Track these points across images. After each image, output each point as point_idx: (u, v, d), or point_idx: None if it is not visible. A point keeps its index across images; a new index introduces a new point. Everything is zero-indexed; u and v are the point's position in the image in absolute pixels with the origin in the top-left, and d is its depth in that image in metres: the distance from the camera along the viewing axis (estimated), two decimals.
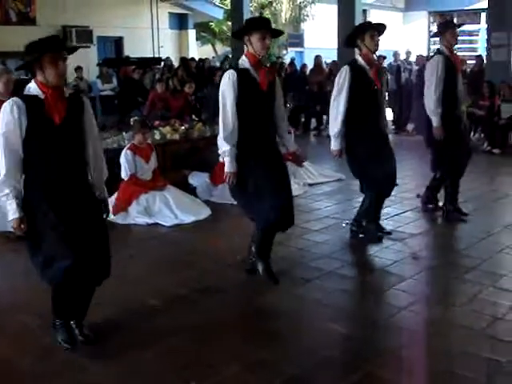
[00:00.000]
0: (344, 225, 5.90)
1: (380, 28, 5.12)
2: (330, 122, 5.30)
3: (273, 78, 4.44)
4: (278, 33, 4.60)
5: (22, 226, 3.35)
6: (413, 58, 13.83)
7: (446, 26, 6.04)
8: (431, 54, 11.41)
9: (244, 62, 4.31)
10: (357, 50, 5.26)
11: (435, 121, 5.92)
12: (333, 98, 5.20)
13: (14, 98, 3.33)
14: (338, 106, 5.14)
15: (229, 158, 4.29)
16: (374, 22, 5.27)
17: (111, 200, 6.63)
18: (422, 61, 12.90)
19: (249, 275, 4.70)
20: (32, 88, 3.37)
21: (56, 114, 3.33)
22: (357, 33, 5.13)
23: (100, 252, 3.52)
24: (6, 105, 3.30)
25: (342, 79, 5.11)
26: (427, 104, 5.98)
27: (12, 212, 3.33)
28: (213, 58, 18.83)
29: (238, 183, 4.38)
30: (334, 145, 5.29)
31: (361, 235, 5.59)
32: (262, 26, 4.28)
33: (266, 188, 4.31)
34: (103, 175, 3.71)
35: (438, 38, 6.36)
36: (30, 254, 3.49)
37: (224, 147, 4.29)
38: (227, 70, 4.44)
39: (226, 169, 4.33)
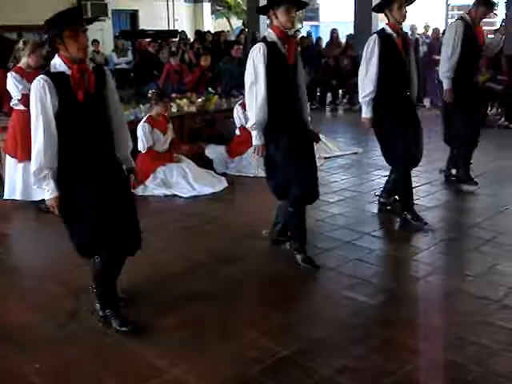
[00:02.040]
0: (373, 196, 5.92)
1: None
2: (360, 89, 5.21)
3: (297, 50, 4.44)
4: (302, 4, 4.57)
5: (60, 204, 3.35)
6: (430, 32, 13.67)
7: (483, 3, 5.96)
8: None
9: (271, 34, 4.28)
10: (376, 17, 5.22)
11: (446, 83, 5.96)
12: (362, 65, 5.16)
13: (43, 76, 3.27)
14: (369, 71, 5.10)
15: (256, 131, 4.29)
16: None
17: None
18: (437, 34, 12.79)
19: (267, 245, 4.76)
20: (58, 64, 3.31)
21: (80, 90, 3.29)
22: (385, 3, 5.08)
23: (131, 223, 3.54)
24: (36, 83, 3.26)
25: (371, 48, 5.07)
26: (440, 66, 6.00)
27: (50, 191, 3.32)
28: (228, 31, 18.74)
29: (266, 158, 4.39)
30: (366, 112, 5.22)
31: (388, 207, 5.61)
32: None
33: (292, 163, 4.29)
34: (128, 146, 3.71)
35: (456, 13, 6.30)
36: (69, 229, 3.49)
37: (254, 120, 4.27)
38: (257, 42, 4.41)
39: (254, 142, 4.33)
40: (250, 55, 4.27)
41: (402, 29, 5.15)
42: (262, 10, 4.44)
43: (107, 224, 3.39)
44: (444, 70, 5.99)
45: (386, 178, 5.68)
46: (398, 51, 5.09)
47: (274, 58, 4.22)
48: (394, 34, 5.07)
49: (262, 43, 4.25)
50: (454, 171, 6.56)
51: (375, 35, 5.14)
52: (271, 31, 4.30)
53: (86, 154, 3.37)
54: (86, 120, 3.35)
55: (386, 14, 5.11)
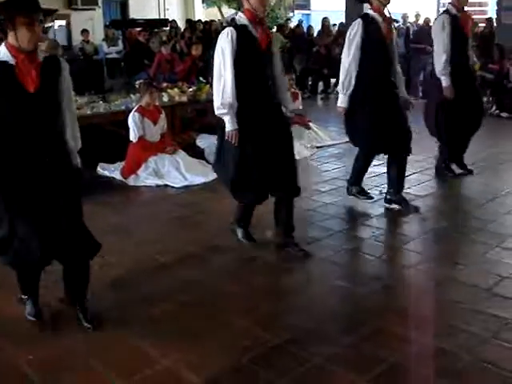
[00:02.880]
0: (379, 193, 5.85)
1: None
2: (340, 77, 5.14)
3: (271, 37, 4.28)
4: None
5: None
6: (422, 21, 13.69)
7: None
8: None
9: (241, 18, 4.14)
10: (367, 5, 5.19)
11: (444, 80, 5.93)
12: (344, 51, 5.10)
13: None
14: (349, 59, 5.04)
15: (228, 116, 4.11)
16: None
17: (121, 164, 6.71)
18: (427, 23, 12.82)
19: (259, 235, 4.76)
20: (2, 53, 3.10)
21: (29, 81, 3.08)
22: None
23: (74, 230, 3.30)
24: None
25: (354, 32, 5.02)
26: (436, 64, 5.98)
27: None
28: (219, 20, 18.65)
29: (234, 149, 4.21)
30: (341, 101, 5.17)
31: (395, 206, 5.52)
32: None
33: (260, 158, 4.19)
34: (78, 144, 3.46)
35: (447, 1, 6.28)
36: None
37: (222, 106, 4.11)
38: (225, 27, 4.28)
39: (227, 127, 4.14)
40: (218, 40, 4.12)
41: (388, 14, 5.11)
42: None
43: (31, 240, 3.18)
44: (440, 67, 5.94)
45: (386, 175, 5.57)
46: (382, 36, 5.04)
47: (244, 42, 4.06)
48: (380, 19, 5.03)
49: (230, 27, 4.10)
50: (454, 166, 6.54)
51: (359, 19, 5.08)
52: (241, 15, 4.15)
53: (26, 148, 3.15)
54: (32, 112, 3.13)
55: (369, 0, 5.08)
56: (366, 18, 5.07)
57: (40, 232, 3.20)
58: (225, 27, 4.23)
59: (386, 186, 5.58)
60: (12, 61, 3.09)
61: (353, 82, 5.08)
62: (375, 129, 5.14)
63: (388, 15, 5.09)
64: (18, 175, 3.17)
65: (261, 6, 4.09)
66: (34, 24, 3.06)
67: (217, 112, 4.19)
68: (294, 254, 4.40)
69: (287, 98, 4.52)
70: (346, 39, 5.11)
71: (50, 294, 3.74)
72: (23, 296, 3.59)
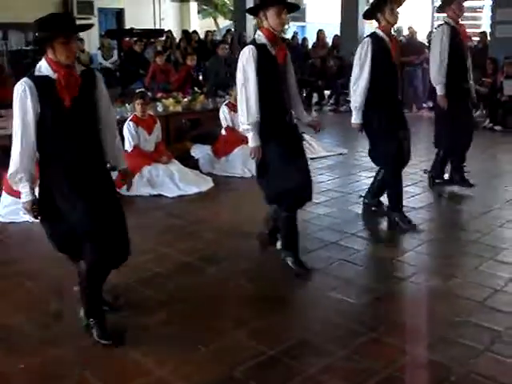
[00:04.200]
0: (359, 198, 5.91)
1: (401, 1, 5.10)
2: (352, 95, 5.20)
3: (286, 54, 4.38)
4: (293, 7, 4.55)
5: (34, 207, 3.29)
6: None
7: None
8: (434, 29, 11.39)
9: (260, 37, 4.23)
10: (366, 26, 5.24)
11: (439, 89, 6.01)
12: (355, 69, 5.13)
13: (25, 79, 3.20)
14: (361, 77, 5.09)
15: (251, 132, 4.20)
16: None
17: (115, 174, 6.67)
18: (412, 34, 12.96)
19: (253, 245, 4.75)
20: (43, 67, 3.23)
21: (67, 95, 3.21)
22: (377, 6, 5.09)
23: (119, 232, 3.43)
24: (18, 86, 3.20)
25: (365, 50, 5.05)
26: (432, 73, 6.04)
27: (25, 194, 3.28)
28: (214, 31, 18.71)
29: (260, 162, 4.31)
30: (356, 118, 5.22)
31: (373, 208, 5.63)
32: (278, 0, 4.19)
33: (284, 168, 4.24)
34: (116, 147, 3.58)
35: (442, 15, 6.34)
36: (49, 234, 3.46)
37: (247, 123, 4.21)
38: (246, 45, 4.35)
39: (250, 143, 4.24)
40: (239, 58, 4.22)
41: (393, 32, 5.19)
42: (252, 11, 4.40)
43: (92, 229, 3.31)
44: (436, 75, 6.02)
45: (372, 180, 5.69)
46: (389, 55, 5.10)
47: (264, 61, 4.16)
48: (387, 38, 5.09)
49: (251, 46, 4.20)
50: (446, 175, 6.59)
51: (368, 38, 5.13)
52: (261, 33, 4.23)
53: (70, 160, 3.29)
54: (71, 125, 3.27)
55: (377, 19, 5.12)
56: (374, 37, 5.12)
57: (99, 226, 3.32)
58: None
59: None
60: (53, 75, 3.21)
61: (364, 99, 5.12)
62: (390, 145, 5.16)
63: (393, 34, 5.16)
64: (67, 184, 3.29)
65: (279, 25, 4.19)
66: (71, 42, 3.20)
67: (241, 128, 4.34)
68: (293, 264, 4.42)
69: (301, 109, 4.61)
70: (357, 58, 5.14)
71: (41, 304, 3.72)
72: (90, 321, 3.49)
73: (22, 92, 3.18)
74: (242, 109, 4.22)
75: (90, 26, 3.66)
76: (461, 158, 6.46)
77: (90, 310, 3.49)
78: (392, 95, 5.22)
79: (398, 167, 5.30)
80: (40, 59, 3.27)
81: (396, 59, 5.16)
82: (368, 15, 5.28)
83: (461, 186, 6.42)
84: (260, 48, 4.18)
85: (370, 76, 5.07)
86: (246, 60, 4.16)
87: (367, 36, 5.23)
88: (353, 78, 5.19)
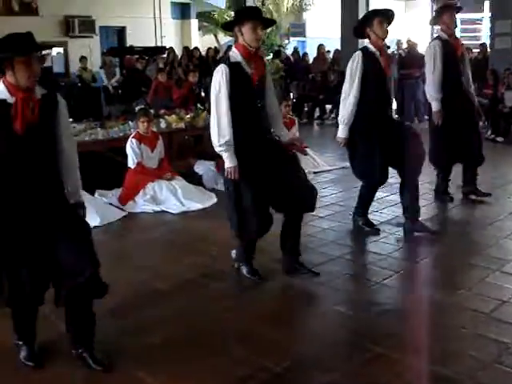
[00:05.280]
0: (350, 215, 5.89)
1: (388, 14, 5.11)
2: (340, 108, 5.20)
3: (263, 71, 4.30)
4: (269, 22, 4.53)
5: None
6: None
7: (443, 9, 6.08)
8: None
9: (235, 54, 4.16)
10: (366, 40, 5.25)
11: (434, 106, 6.02)
12: (346, 83, 5.15)
13: None
14: (351, 91, 5.09)
15: (227, 152, 4.11)
16: (380, 9, 5.24)
17: (118, 190, 6.70)
18: (411, 47, 13.01)
19: (256, 261, 4.74)
20: (0, 90, 3.06)
21: (20, 121, 3.02)
22: (365, 21, 5.12)
23: (83, 266, 3.13)
24: None
25: (356, 64, 5.06)
26: (427, 89, 6.06)
27: None
28: (215, 48, 18.81)
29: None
30: (342, 132, 5.20)
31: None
32: (253, 15, 4.14)
33: (249, 197, 4.18)
34: (78, 182, 3.38)
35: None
36: None
37: (218, 144, 4.11)
38: (219, 63, 4.28)
39: (227, 164, 4.13)
40: (213, 78, 4.14)
41: (385, 46, 5.19)
42: (228, 26, 4.36)
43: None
44: (432, 92, 6.04)
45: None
46: (381, 70, 5.11)
47: (237, 79, 4.08)
48: (378, 53, 5.09)
49: (223, 65, 4.12)
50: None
51: (359, 52, 5.13)
52: (235, 50, 4.17)
53: (20, 190, 3.09)
54: (23, 154, 3.05)
55: (366, 34, 5.14)
56: (365, 51, 5.13)
57: (35, 270, 3.11)
58: (219, 61, 4.26)
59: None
60: (10, 99, 3.04)
61: (354, 113, 5.12)
62: (373, 160, 5.16)
63: (386, 48, 5.17)
64: (10, 215, 3.09)
65: (254, 41, 4.12)
66: (32, 62, 3.03)
67: (216, 149, 4.21)
68: (304, 275, 4.44)
69: (281, 127, 4.51)
70: (348, 72, 5.15)
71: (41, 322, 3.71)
72: (19, 342, 3.40)
73: None
74: (214, 129, 4.12)
75: (49, 46, 3.48)
76: (448, 171, 6.47)
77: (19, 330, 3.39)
78: (382, 110, 5.21)
79: (374, 184, 5.39)
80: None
81: (388, 73, 5.18)
82: (358, 32, 5.27)
83: (442, 198, 6.43)
84: (233, 66, 4.11)
85: (359, 90, 5.07)
86: (218, 80, 4.08)
87: (358, 50, 5.23)
88: (343, 92, 5.18)
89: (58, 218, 3.17)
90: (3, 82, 3.07)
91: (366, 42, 5.26)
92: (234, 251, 4.65)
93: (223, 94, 4.08)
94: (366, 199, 5.51)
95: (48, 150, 3.16)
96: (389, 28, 5.09)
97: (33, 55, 3.06)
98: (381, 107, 5.20)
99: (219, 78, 4.09)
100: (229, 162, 4.14)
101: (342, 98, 5.20)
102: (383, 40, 5.11)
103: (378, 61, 5.10)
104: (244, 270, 4.54)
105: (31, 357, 3.37)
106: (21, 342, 3.40)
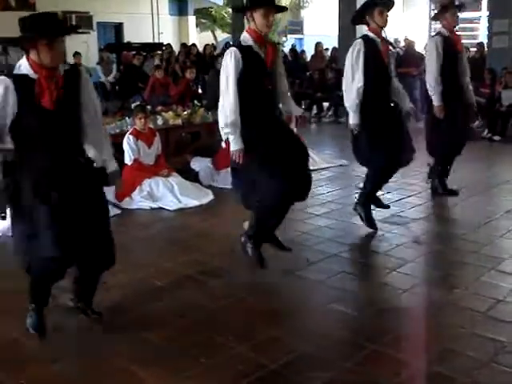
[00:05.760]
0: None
1: (388, 3, 5.11)
2: (346, 96, 5.16)
3: (276, 53, 4.37)
4: (281, 9, 4.54)
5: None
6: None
7: (447, 7, 6.12)
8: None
9: (246, 38, 4.21)
10: (364, 27, 5.23)
11: (435, 99, 6.05)
12: (348, 70, 5.11)
13: (2, 77, 3.09)
14: (354, 79, 5.07)
15: (233, 135, 4.15)
16: None
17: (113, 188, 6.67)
18: (408, 45, 13.03)
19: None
20: (23, 66, 3.12)
21: (48, 98, 3.09)
22: (365, 9, 5.09)
23: (101, 240, 3.38)
24: None
25: (357, 50, 5.05)
26: (428, 84, 6.10)
27: None
28: (212, 44, 18.80)
29: (244, 165, 4.27)
30: (354, 118, 5.16)
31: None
32: (266, 1, 4.18)
33: (270, 173, 4.21)
34: (107, 149, 3.46)
35: (439, 26, 6.41)
36: (17, 234, 3.33)
37: (224, 123, 4.15)
38: (229, 47, 4.32)
39: (232, 147, 4.18)
40: (223, 61, 4.20)
41: (384, 34, 5.18)
42: (241, 10, 4.40)
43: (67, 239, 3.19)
44: (433, 87, 6.08)
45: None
46: (381, 56, 5.11)
47: (250, 62, 4.13)
48: (378, 39, 5.10)
49: (233, 48, 4.18)
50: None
51: (360, 40, 5.12)
52: (247, 35, 4.22)
53: (47, 162, 3.17)
54: (51, 128, 3.14)
55: (366, 22, 5.13)
56: (366, 39, 5.12)
57: (66, 234, 3.19)
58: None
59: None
60: (33, 75, 3.09)
61: (359, 101, 5.09)
62: (379, 146, 5.18)
63: (385, 37, 5.16)
64: (43, 184, 3.16)
65: (265, 27, 4.17)
66: (55, 45, 3.09)
67: (222, 132, 4.24)
68: None
69: (291, 103, 4.63)
70: (349, 59, 5.10)
71: None
72: (31, 305, 3.53)
73: None
74: (221, 111, 4.17)
75: (76, 28, 3.56)
76: (448, 165, 6.52)
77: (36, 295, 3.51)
78: (384, 98, 5.21)
79: (386, 174, 5.39)
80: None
81: (387, 59, 5.17)
82: (356, 19, 5.27)
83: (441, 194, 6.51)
84: (245, 49, 4.15)
85: (363, 77, 5.05)
86: (228, 62, 4.13)
87: (358, 38, 5.21)
88: (345, 81, 5.17)
89: (87, 195, 3.29)
90: (27, 58, 3.12)
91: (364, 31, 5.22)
92: (246, 223, 4.64)
93: (231, 76, 4.11)
94: (375, 190, 5.55)
95: (74, 123, 3.25)
96: (388, 15, 5.07)
97: (58, 39, 3.11)
98: (383, 95, 5.19)
99: (228, 59, 4.13)
100: (234, 145, 4.18)
101: (344, 87, 5.18)
102: (382, 28, 5.10)
103: (378, 48, 5.09)
104: (249, 250, 4.55)
105: (38, 326, 3.49)
106: (33, 305, 3.51)
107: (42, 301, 3.54)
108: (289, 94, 4.65)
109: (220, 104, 4.21)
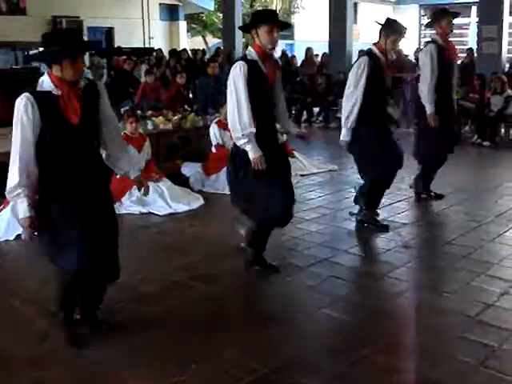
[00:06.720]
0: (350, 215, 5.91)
1: (403, 34, 5.25)
2: (344, 112, 5.27)
3: (277, 71, 4.45)
4: (285, 25, 4.59)
5: (32, 225, 3.26)
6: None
7: (442, 14, 6.14)
8: (422, 46, 11.53)
9: (252, 53, 4.26)
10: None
11: (429, 108, 6.07)
12: (350, 87, 5.22)
13: (26, 94, 3.16)
14: (355, 95, 5.19)
15: (250, 143, 4.18)
16: (400, 25, 5.31)
17: None
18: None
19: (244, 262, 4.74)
20: (45, 83, 3.20)
21: (73, 113, 3.20)
22: (386, 29, 5.21)
23: (111, 253, 3.46)
24: (19, 101, 3.17)
25: (362, 68, 5.15)
26: (423, 91, 6.11)
27: (23, 211, 3.24)
28: (203, 50, 18.82)
29: (239, 179, 4.35)
30: (345, 135, 5.32)
31: (365, 224, 5.64)
32: (270, 18, 4.24)
33: (274, 186, 4.27)
34: (129, 158, 3.66)
35: (429, 32, 6.45)
36: (44, 247, 3.41)
37: (241, 134, 4.18)
38: (236, 60, 4.38)
39: (252, 155, 4.19)
40: (230, 73, 4.24)
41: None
42: (245, 29, 4.44)
43: (83, 240, 3.29)
44: (427, 95, 6.11)
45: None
46: (382, 74, 5.23)
47: (254, 77, 4.18)
48: (383, 58, 5.17)
49: (241, 61, 4.22)
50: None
51: (366, 58, 5.20)
52: (252, 50, 4.27)
53: (70, 178, 3.28)
54: (74, 142, 3.26)
55: (379, 37, 5.23)
56: (371, 56, 5.21)
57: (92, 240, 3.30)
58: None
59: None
60: (56, 91, 3.18)
61: (356, 117, 5.23)
62: (377, 159, 5.30)
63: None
64: (65, 198, 3.28)
65: (270, 43, 4.22)
66: (79, 61, 3.19)
67: (238, 143, 4.25)
68: None
69: (289, 123, 4.76)
70: (353, 75, 5.23)
71: (29, 325, 3.67)
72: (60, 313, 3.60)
73: (22, 107, 3.16)
74: (235, 122, 4.18)
75: (95, 43, 3.69)
76: (433, 173, 6.61)
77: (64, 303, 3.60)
78: (381, 111, 5.31)
79: (385, 184, 5.48)
80: (34, 77, 3.27)
81: (387, 76, 5.27)
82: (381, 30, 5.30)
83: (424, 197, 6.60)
84: (251, 64, 4.21)
85: (362, 95, 5.16)
86: (237, 76, 4.17)
87: (364, 54, 5.30)
88: (346, 96, 5.27)
89: (105, 208, 3.46)
90: (49, 74, 3.22)
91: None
92: (242, 231, 4.66)
93: (242, 87, 4.15)
94: (378, 198, 5.65)
95: (94, 136, 3.40)
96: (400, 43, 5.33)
97: (81, 56, 3.23)
98: (380, 109, 5.32)
99: (238, 72, 4.17)
100: (254, 153, 4.20)
101: (344, 101, 5.29)
102: (389, 52, 5.24)
103: (382, 65, 5.22)
104: (249, 251, 4.59)
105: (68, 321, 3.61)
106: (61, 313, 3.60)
107: (69, 306, 3.62)
108: (286, 113, 4.76)
109: (231, 116, 4.22)
